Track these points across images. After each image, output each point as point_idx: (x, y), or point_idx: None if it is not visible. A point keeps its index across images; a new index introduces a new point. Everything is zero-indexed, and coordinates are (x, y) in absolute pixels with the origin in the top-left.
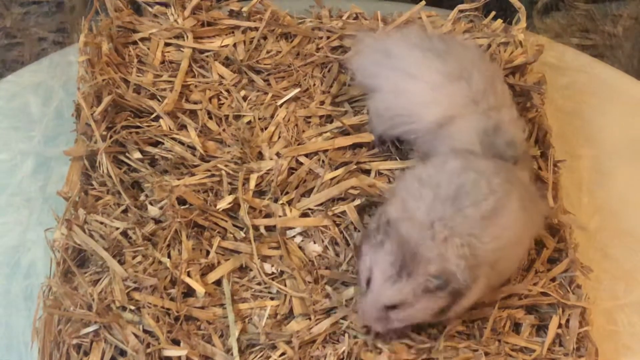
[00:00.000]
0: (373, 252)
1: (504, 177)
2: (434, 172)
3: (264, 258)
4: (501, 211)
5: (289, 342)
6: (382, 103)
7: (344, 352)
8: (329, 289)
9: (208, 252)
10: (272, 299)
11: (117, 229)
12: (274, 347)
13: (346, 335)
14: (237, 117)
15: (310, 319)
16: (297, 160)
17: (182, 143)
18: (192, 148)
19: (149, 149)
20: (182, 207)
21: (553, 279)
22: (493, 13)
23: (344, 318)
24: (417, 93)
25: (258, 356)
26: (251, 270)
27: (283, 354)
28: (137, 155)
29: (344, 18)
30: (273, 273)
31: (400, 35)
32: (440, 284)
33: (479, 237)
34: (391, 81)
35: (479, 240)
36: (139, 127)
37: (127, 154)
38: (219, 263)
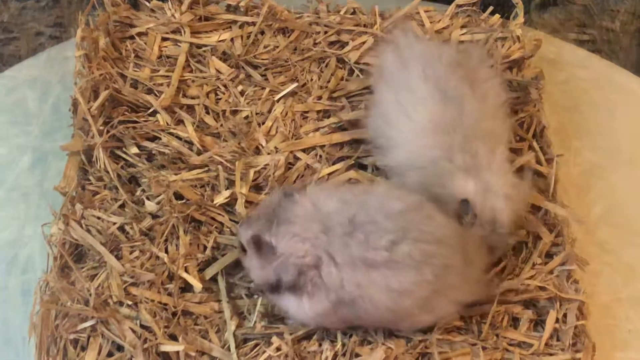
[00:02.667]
0: None
1: (437, 258)
2: (382, 195)
3: None
4: (389, 274)
5: (281, 335)
6: (373, 122)
7: (339, 348)
8: None
9: (205, 247)
10: None
11: (114, 224)
12: (269, 343)
13: (339, 332)
14: (235, 112)
15: None
16: (294, 156)
17: (179, 138)
18: (190, 143)
19: (146, 144)
20: (179, 202)
21: (551, 272)
22: (491, 8)
23: None
24: (401, 130)
25: (254, 351)
26: None
27: (278, 349)
28: (134, 150)
29: (341, 13)
30: None
31: (430, 57)
32: (250, 242)
33: (339, 268)
34: (388, 104)
35: (337, 271)
36: (136, 122)
37: (124, 149)
38: (215, 258)
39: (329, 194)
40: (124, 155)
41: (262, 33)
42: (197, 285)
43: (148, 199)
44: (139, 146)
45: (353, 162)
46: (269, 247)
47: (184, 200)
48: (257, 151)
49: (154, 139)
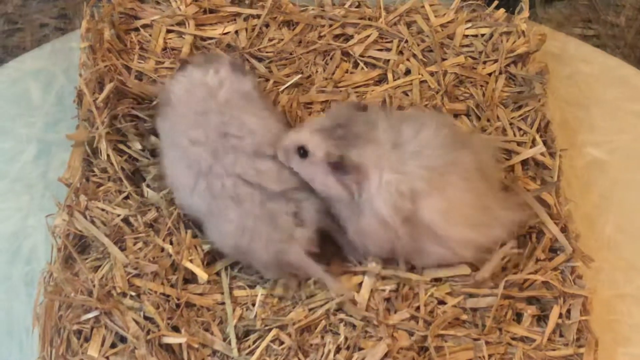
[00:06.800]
0: None
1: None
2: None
3: None
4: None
5: (284, 328)
6: None
7: (342, 341)
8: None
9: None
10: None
11: (119, 215)
12: (273, 338)
13: (342, 323)
14: None
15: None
16: None
17: None
18: None
19: (152, 139)
20: None
21: (555, 269)
22: (496, 2)
23: (340, 308)
24: None
25: (256, 344)
26: None
27: (282, 342)
28: (138, 146)
29: (346, 6)
30: None
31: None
32: None
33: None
34: None
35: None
36: (140, 117)
37: (128, 144)
38: (218, 251)
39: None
40: (127, 150)
41: (267, 26)
42: (203, 275)
43: (149, 186)
44: (142, 142)
45: None
46: None
47: None
48: None
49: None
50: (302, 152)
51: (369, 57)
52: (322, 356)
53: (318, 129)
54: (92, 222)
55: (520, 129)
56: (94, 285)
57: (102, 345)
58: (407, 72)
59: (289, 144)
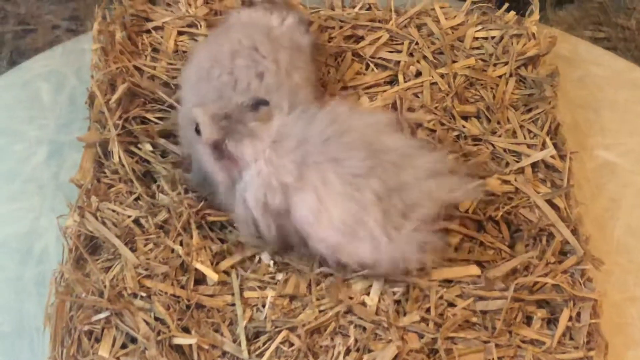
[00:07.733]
0: None
1: None
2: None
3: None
4: None
5: (294, 329)
6: None
7: (352, 343)
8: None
9: (221, 240)
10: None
11: (129, 216)
12: (283, 340)
13: (352, 325)
14: None
15: (317, 310)
16: None
17: None
18: None
19: (161, 141)
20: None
21: (565, 272)
22: (506, 5)
23: (350, 310)
24: None
25: (266, 346)
26: (259, 261)
27: (291, 343)
28: (148, 147)
29: (356, 9)
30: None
31: None
32: None
33: None
34: None
35: None
36: (150, 120)
37: (139, 145)
38: (228, 252)
39: None
40: (139, 150)
41: None
42: (213, 276)
43: (162, 192)
44: (153, 144)
45: None
46: None
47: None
48: None
49: (169, 135)
50: (197, 129)
51: (380, 58)
52: (331, 358)
53: (210, 113)
54: (103, 223)
55: (530, 132)
56: (104, 286)
57: (113, 345)
58: (418, 74)
59: (191, 119)
